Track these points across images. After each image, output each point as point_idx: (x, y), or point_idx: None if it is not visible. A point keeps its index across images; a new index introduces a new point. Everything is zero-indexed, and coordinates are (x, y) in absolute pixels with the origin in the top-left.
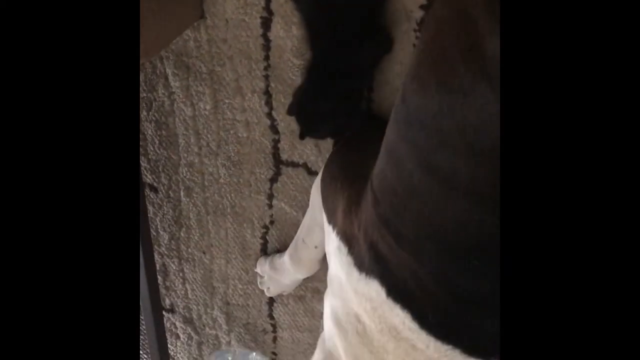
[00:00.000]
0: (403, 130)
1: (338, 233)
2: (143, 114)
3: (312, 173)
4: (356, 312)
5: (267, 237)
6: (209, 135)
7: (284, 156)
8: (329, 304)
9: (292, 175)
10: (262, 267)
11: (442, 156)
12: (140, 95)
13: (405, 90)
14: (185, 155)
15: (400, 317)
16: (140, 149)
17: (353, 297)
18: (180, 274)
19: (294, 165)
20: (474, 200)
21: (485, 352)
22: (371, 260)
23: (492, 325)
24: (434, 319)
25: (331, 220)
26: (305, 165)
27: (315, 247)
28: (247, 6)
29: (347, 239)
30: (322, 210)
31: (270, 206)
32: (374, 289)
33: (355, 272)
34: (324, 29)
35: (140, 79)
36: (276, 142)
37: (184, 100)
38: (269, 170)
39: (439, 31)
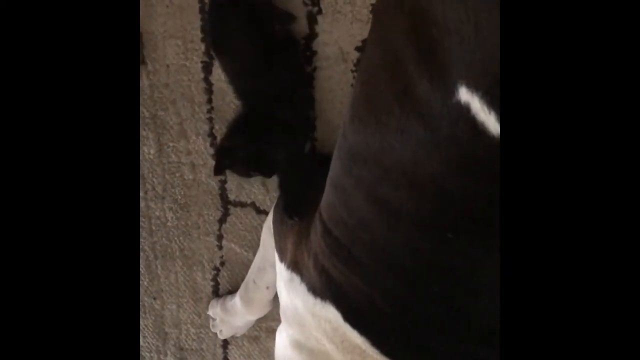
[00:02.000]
0: (347, 165)
1: (289, 266)
2: None
3: (261, 212)
4: (316, 336)
5: (218, 279)
6: (154, 179)
7: (232, 196)
8: (286, 335)
9: (240, 215)
10: (214, 310)
11: (386, 189)
12: None
13: (346, 128)
14: None
15: (361, 340)
16: None
17: (312, 321)
18: None
19: (242, 205)
20: (421, 229)
21: None
22: (324, 286)
23: (453, 347)
24: (394, 344)
25: (282, 257)
26: (253, 205)
27: (267, 287)
28: (187, 51)
29: (299, 268)
30: (274, 249)
31: (220, 247)
32: (331, 312)
33: (310, 298)
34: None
35: None
36: (223, 182)
37: None
38: (217, 211)
39: (373, 75)
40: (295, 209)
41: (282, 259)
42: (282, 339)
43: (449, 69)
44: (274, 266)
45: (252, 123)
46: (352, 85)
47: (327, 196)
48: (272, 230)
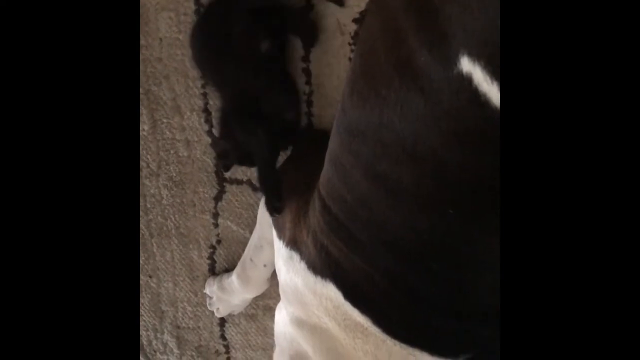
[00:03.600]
0: (346, 141)
1: (288, 244)
2: None
3: (257, 189)
4: (317, 314)
5: (215, 257)
6: (148, 156)
7: (227, 174)
8: (286, 312)
9: (236, 192)
10: (211, 288)
11: (386, 165)
12: None
13: (344, 103)
14: None
15: (362, 319)
16: None
17: (312, 299)
18: None
19: (238, 182)
20: (421, 205)
21: (451, 352)
22: (323, 264)
23: (454, 324)
24: (395, 323)
25: (281, 234)
26: (249, 182)
27: (264, 265)
28: (180, 24)
29: (297, 246)
30: (271, 226)
31: (216, 225)
32: (332, 290)
33: (310, 276)
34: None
35: None
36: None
37: None
38: (213, 188)
39: (373, 46)
40: (276, 206)
41: (280, 237)
42: (282, 317)
43: (450, 38)
44: (271, 244)
45: (238, 122)
46: (349, 58)
47: (326, 172)
48: None
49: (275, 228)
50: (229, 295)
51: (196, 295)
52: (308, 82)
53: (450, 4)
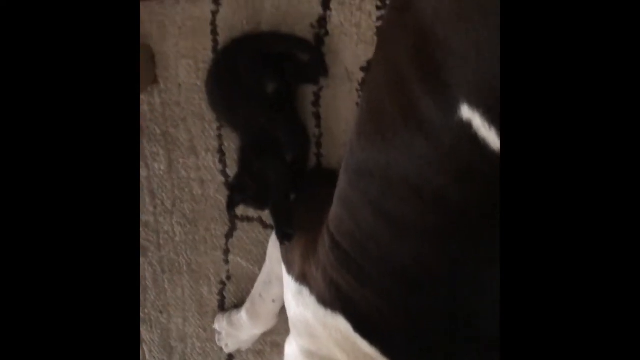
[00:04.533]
0: (354, 180)
1: (297, 279)
2: None
3: (267, 227)
4: (327, 346)
5: (224, 293)
6: (163, 195)
7: (239, 211)
8: (296, 345)
9: (247, 229)
10: (220, 324)
11: (392, 202)
12: None
13: (353, 145)
14: (140, 215)
15: (371, 350)
16: None
17: (322, 332)
18: None
19: (249, 220)
20: (426, 240)
21: None
22: (333, 297)
23: (462, 355)
24: (404, 354)
25: (290, 270)
26: (260, 220)
27: (273, 301)
28: (199, 71)
29: (307, 280)
30: (281, 262)
31: (227, 261)
32: (342, 323)
33: (320, 309)
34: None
35: None
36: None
37: None
38: (225, 225)
39: (379, 93)
40: (287, 234)
41: (289, 272)
42: (293, 349)
43: (452, 87)
44: (280, 280)
45: (253, 161)
46: (357, 104)
47: (335, 209)
48: (278, 243)
49: (284, 263)
50: (238, 330)
51: (205, 331)
52: (318, 125)
53: (452, 57)
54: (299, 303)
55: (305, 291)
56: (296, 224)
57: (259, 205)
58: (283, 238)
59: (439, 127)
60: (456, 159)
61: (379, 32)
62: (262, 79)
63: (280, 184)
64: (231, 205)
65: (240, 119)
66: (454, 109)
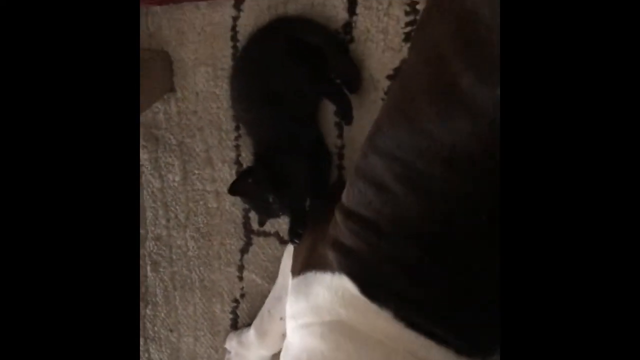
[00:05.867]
0: (380, 155)
1: (300, 271)
2: None
3: (284, 242)
4: (331, 311)
5: (238, 312)
6: (177, 207)
7: (255, 226)
8: (295, 324)
9: (263, 245)
10: (230, 343)
11: (420, 166)
12: None
13: (380, 124)
14: (153, 228)
15: (380, 312)
16: None
17: (327, 295)
18: (146, 355)
19: (265, 234)
20: (450, 205)
21: (479, 351)
22: (341, 262)
23: (483, 321)
24: (417, 319)
25: (293, 270)
26: (277, 235)
27: (281, 318)
28: (217, 79)
29: (311, 264)
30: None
31: (241, 278)
32: (347, 283)
33: (326, 276)
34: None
35: None
36: (247, 211)
37: (152, 172)
38: (240, 240)
39: (416, 72)
40: (298, 233)
41: (292, 273)
42: (291, 328)
43: (497, 62)
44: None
45: (274, 156)
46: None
47: (351, 185)
48: (291, 255)
49: (292, 264)
50: (247, 350)
51: (217, 352)
52: (340, 136)
53: (497, 33)
54: (300, 292)
55: (309, 273)
56: (308, 231)
57: (275, 214)
58: (294, 236)
59: (480, 101)
60: (495, 130)
61: (419, 23)
62: (292, 67)
63: (299, 181)
64: (235, 187)
65: (264, 113)
66: (498, 83)
